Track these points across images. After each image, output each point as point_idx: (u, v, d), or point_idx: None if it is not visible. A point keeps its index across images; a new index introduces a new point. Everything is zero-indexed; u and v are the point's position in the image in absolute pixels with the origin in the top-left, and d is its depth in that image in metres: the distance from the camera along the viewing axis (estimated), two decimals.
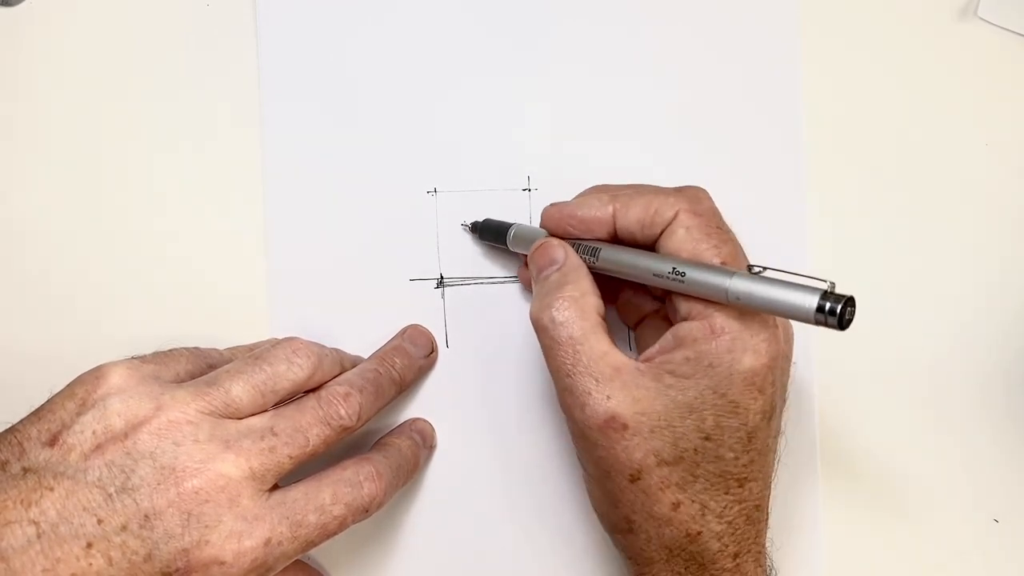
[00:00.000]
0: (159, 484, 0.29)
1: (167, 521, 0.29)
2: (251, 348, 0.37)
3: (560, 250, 0.34)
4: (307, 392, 0.34)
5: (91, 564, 0.28)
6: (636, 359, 0.32)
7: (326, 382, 0.35)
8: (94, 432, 0.30)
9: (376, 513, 0.38)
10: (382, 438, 0.38)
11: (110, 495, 0.29)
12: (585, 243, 0.35)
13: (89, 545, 0.28)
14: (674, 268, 0.31)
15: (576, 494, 0.40)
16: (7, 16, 0.41)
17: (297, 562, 0.39)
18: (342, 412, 0.33)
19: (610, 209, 0.34)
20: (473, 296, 0.40)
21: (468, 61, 0.41)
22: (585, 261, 0.34)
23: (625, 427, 0.31)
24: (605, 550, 0.40)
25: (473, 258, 0.40)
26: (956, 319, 0.41)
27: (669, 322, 0.34)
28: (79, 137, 0.41)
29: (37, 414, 0.31)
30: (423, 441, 0.39)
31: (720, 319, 0.31)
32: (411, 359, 0.38)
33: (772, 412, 0.32)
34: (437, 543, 0.40)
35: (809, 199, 0.41)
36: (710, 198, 0.34)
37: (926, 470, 0.41)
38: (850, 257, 0.41)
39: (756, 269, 0.31)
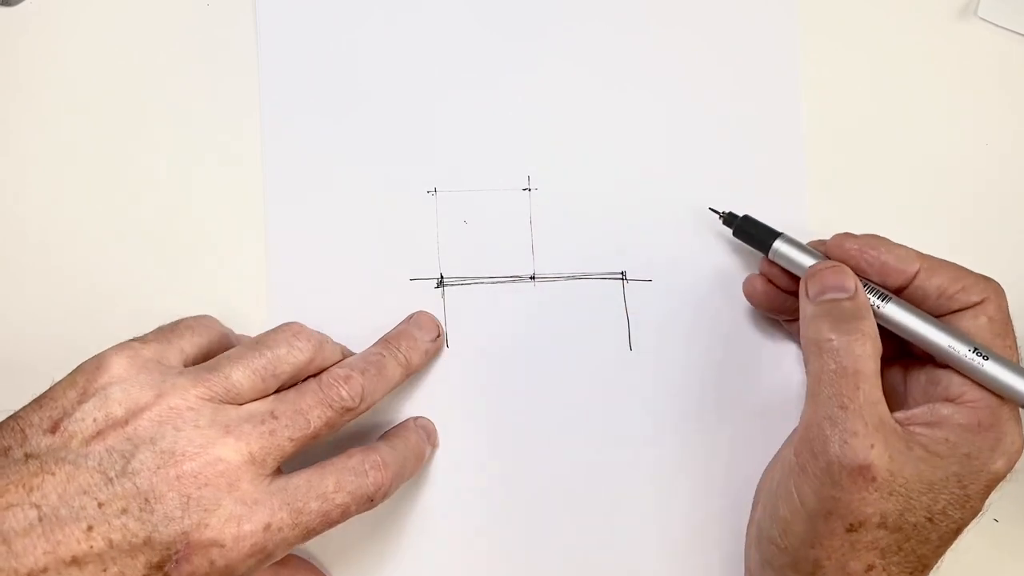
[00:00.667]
0: (159, 468, 0.29)
1: (167, 504, 0.29)
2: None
3: (853, 281, 0.34)
4: (309, 377, 0.34)
5: (92, 547, 0.28)
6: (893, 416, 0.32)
7: (328, 367, 0.35)
8: (95, 420, 0.30)
9: (378, 513, 0.38)
10: (387, 432, 0.38)
11: (110, 479, 0.29)
12: (874, 286, 0.34)
13: (90, 528, 0.28)
14: (976, 350, 0.32)
15: (576, 494, 0.40)
16: (7, 16, 0.41)
17: (302, 562, 0.39)
18: (343, 393, 0.33)
19: (916, 267, 0.34)
20: (473, 296, 0.40)
21: (468, 61, 0.41)
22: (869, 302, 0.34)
23: (874, 479, 0.31)
24: (605, 550, 0.40)
25: (473, 258, 0.40)
26: None
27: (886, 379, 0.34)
28: (79, 137, 0.41)
29: (39, 402, 0.31)
30: (427, 437, 0.39)
31: (989, 415, 0.31)
32: (417, 342, 0.38)
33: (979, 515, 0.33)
34: (438, 543, 0.40)
35: (809, 199, 0.41)
36: (1007, 300, 0.34)
37: None
38: None
39: None
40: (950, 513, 0.32)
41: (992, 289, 0.33)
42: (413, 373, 0.38)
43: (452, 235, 0.40)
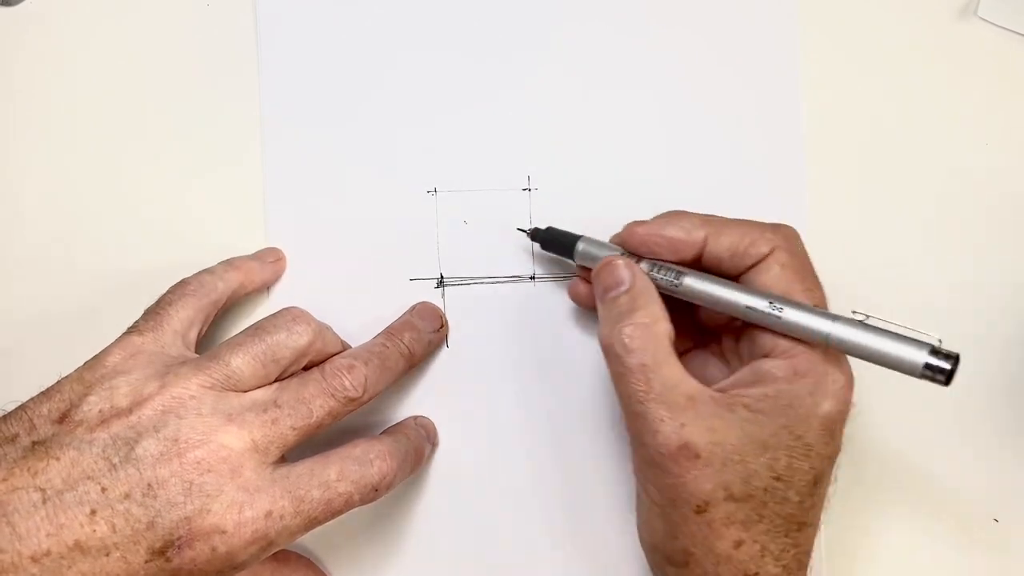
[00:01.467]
0: (162, 455, 0.30)
1: (170, 490, 0.29)
2: None
3: (627, 271, 0.33)
4: (313, 367, 0.34)
5: (95, 530, 0.29)
6: (712, 389, 0.32)
7: (331, 356, 0.35)
8: (100, 410, 0.30)
9: (378, 512, 0.38)
10: (387, 429, 0.38)
11: (114, 465, 0.29)
12: (668, 265, 0.34)
13: (93, 512, 0.29)
14: (772, 303, 0.31)
15: (575, 494, 0.40)
16: (7, 16, 0.41)
17: (302, 559, 0.39)
18: (346, 383, 0.33)
19: (702, 233, 0.33)
20: (473, 296, 0.40)
21: (468, 61, 0.41)
22: (663, 284, 0.33)
23: (698, 456, 0.30)
24: (604, 550, 0.40)
25: (473, 258, 0.40)
26: (956, 319, 0.41)
27: (717, 357, 0.34)
28: (79, 137, 0.41)
29: (47, 394, 0.32)
30: (428, 436, 0.39)
31: (805, 361, 0.31)
32: (420, 333, 0.38)
33: (835, 457, 0.32)
34: (437, 543, 0.40)
35: (809, 200, 0.41)
36: (801, 240, 0.33)
37: (926, 470, 0.41)
38: (850, 258, 0.41)
39: (859, 316, 0.31)
40: (797, 466, 0.31)
41: (781, 235, 0.32)
42: (416, 364, 0.38)
43: (452, 235, 0.40)
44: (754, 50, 0.41)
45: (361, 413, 0.39)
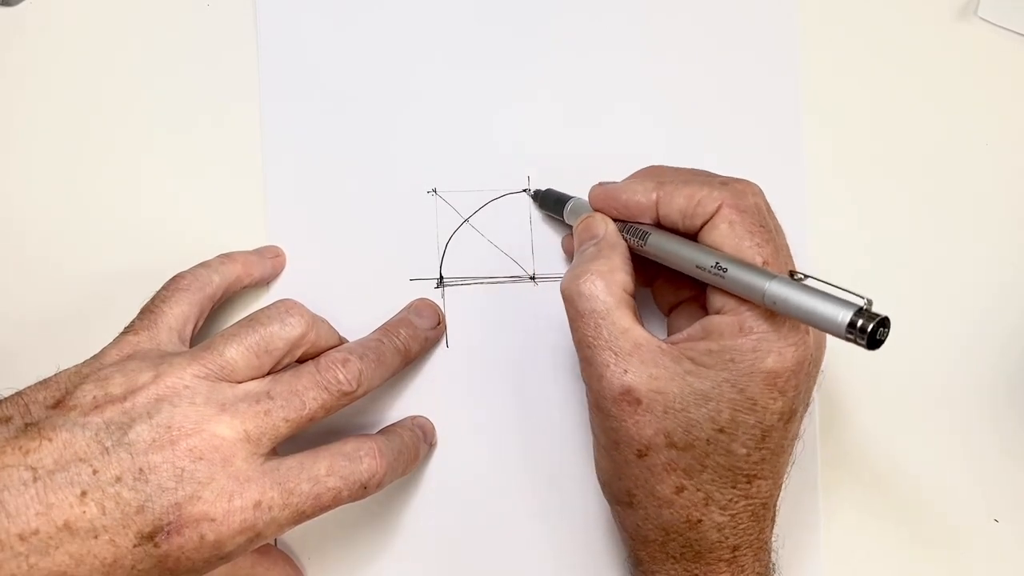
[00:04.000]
0: (154, 441, 0.30)
1: (161, 475, 0.30)
2: None
3: (602, 226, 0.35)
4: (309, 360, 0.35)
5: (84, 512, 0.29)
6: (662, 340, 0.32)
7: (326, 350, 0.35)
8: (95, 397, 0.31)
9: (377, 512, 0.38)
10: (384, 428, 0.39)
11: (106, 448, 0.29)
12: (636, 226, 0.34)
13: (83, 494, 0.29)
14: (717, 263, 0.31)
15: (574, 493, 0.40)
16: (7, 16, 0.41)
17: (280, 554, 0.39)
18: (340, 377, 0.33)
19: (654, 196, 0.34)
20: (473, 296, 0.40)
21: (468, 61, 0.41)
22: (632, 244, 0.34)
23: (639, 402, 0.31)
24: (603, 549, 0.40)
25: (473, 258, 0.40)
26: (956, 319, 0.41)
27: (704, 311, 0.34)
28: (79, 137, 0.41)
29: (44, 383, 0.32)
30: (424, 436, 0.39)
31: (750, 318, 0.31)
32: (416, 330, 0.38)
33: (792, 415, 0.32)
34: (436, 542, 0.40)
35: (808, 200, 0.41)
36: (759, 193, 0.33)
37: (926, 470, 0.41)
38: (849, 258, 0.41)
39: (799, 276, 0.31)
40: (741, 419, 0.31)
41: (730, 191, 0.33)
42: (412, 361, 0.38)
43: (452, 235, 0.40)
44: (754, 51, 0.41)
45: (360, 413, 0.39)
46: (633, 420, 0.31)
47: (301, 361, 0.35)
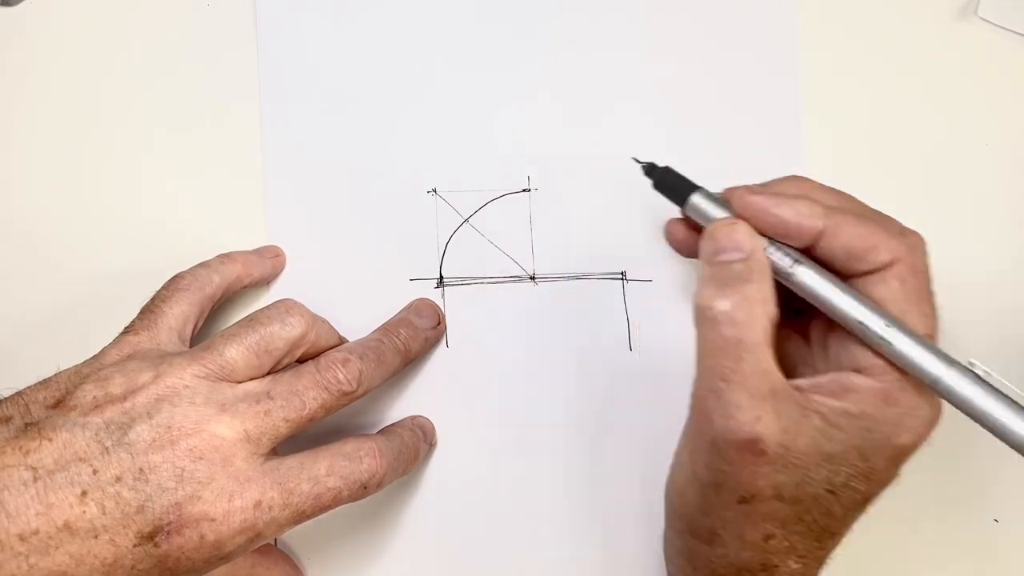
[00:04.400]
0: (154, 441, 0.30)
1: (161, 475, 0.30)
2: None
3: (750, 241, 0.30)
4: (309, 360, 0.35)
5: (84, 512, 0.29)
6: (790, 384, 0.30)
7: (326, 350, 0.35)
8: (94, 396, 0.31)
9: (376, 511, 0.38)
10: (383, 428, 0.39)
11: (107, 448, 0.30)
12: (788, 249, 0.31)
13: (83, 493, 0.29)
14: (888, 324, 0.29)
15: (575, 494, 0.40)
16: (7, 16, 0.41)
17: (281, 554, 0.39)
18: (340, 377, 0.33)
19: (820, 225, 0.30)
20: (473, 296, 0.40)
21: (468, 61, 0.41)
22: (777, 266, 0.30)
23: (763, 454, 0.29)
24: (604, 549, 0.40)
25: (473, 258, 0.40)
26: (956, 319, 0.41)
27: (800, 334, 0.32)
28: (79, 137, 0.41)
29: (44, 383, 0.32)
30: (424, 436, 0.39)
31: (898, 389, 0.29)
32: (416, 330, 0.38)
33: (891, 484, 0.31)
34: (436, 542, 0.40)
35: None
36: (927, 252, 0.31)
37: (925, 470, 0.41)
38: None
39: (978, 370, 0.29)
40: (853, 485, 0.30)
41: (907, 246, 0.30)
42: (412, 361, 0.38)
43: (452, 235, 0.40)
44: (754, 51, 0.41)
45: (360, 413, 0.39)
46: (750, 470, 0.29)
47: (301, 361, 0.35)
